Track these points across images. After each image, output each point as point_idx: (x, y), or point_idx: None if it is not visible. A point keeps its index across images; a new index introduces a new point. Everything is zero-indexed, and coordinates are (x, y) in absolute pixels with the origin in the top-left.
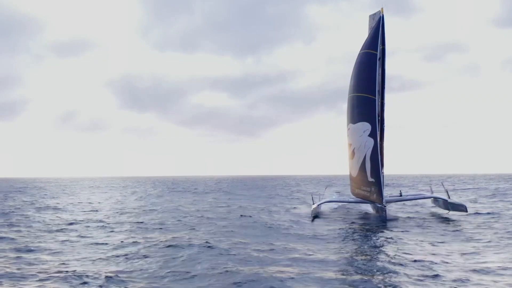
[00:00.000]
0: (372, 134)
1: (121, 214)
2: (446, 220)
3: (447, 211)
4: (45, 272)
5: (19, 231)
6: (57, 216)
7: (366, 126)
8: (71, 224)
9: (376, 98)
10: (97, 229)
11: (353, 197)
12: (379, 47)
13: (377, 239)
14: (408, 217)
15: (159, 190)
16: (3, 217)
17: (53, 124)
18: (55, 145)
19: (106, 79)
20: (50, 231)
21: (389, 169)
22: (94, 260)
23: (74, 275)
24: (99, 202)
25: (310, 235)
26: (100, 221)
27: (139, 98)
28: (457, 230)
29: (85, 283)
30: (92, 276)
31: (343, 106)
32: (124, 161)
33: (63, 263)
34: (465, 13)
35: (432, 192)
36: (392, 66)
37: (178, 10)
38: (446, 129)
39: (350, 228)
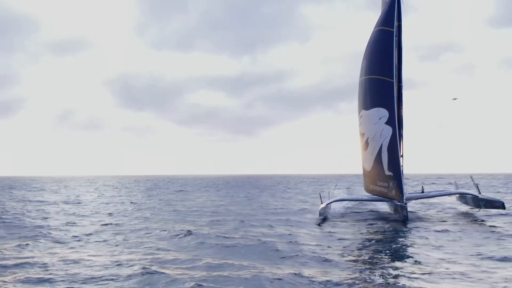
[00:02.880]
0: (390, 121)
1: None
2: (479, 220)
3: (477, 208)
4: None
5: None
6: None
7: (382, 112)
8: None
9: (394, 81)
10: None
11: (368, 194)
12: (395, 24)
13: (397, 246)
14: (434, 217)
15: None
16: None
17: (50, 122)
18: (53, 143)
19: (103, 78)
20: None
21: None
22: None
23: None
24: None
25: (312, 244)
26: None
27: (136, 97)
28: (493, 231)
29: None
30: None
31: (340, 105)
32: (123, 159)
33: None
34: (460, 13)
35: (457, 187)
36: None
37: (173, 9)
38: (442, 129)
39: (363, 233)
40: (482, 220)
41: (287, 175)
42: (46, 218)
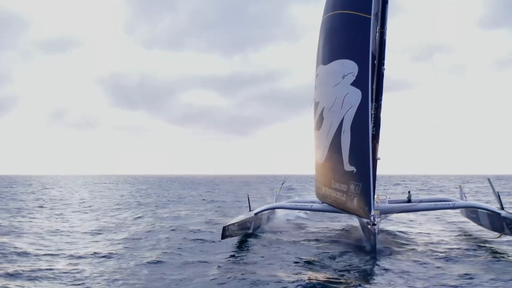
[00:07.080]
0: (360, 81)
1: None
2: (501, 254)
3: (498, 233)
4: None
5: None
6: None
7: (348, 67)
8: None
9: (372, 20)
10: None
11: (318, 201)
12: None
13: None
14: (423, 245)
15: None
16: None
17: (43, 121)
18: (46, 142)
19: (95, 77)
20: None
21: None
22: None
23: None
24: None
25: None
26: None
27: (129, 96)
28: None
29: None
30: None
31: None
32: (117, 159)
33: None
34: (448, 14)
35: (465, 198)
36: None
37: (161, 8)
38: (437, 129)
39: (294, 272)
40: (505, 255)
41: (281, 174)
42: None
